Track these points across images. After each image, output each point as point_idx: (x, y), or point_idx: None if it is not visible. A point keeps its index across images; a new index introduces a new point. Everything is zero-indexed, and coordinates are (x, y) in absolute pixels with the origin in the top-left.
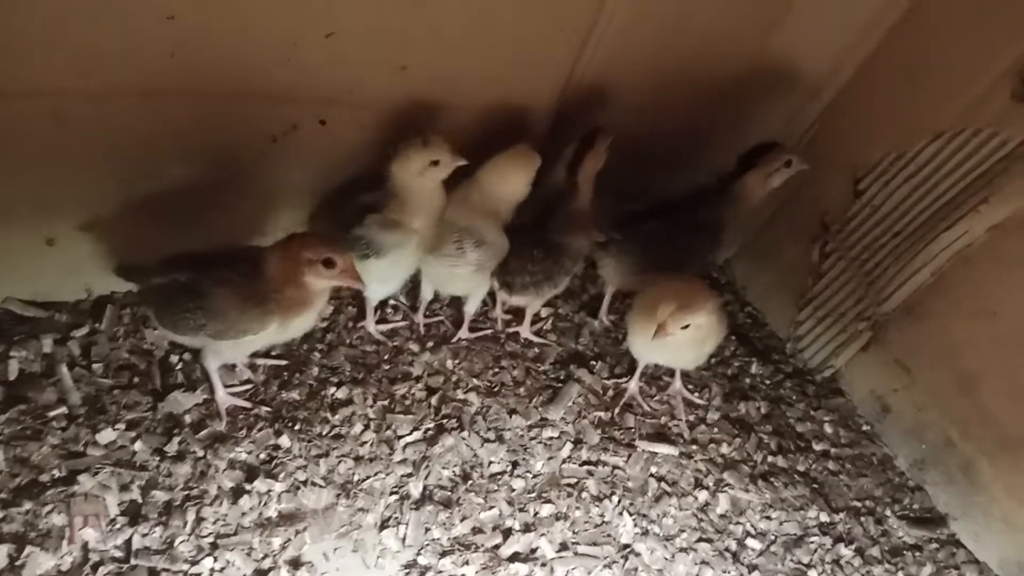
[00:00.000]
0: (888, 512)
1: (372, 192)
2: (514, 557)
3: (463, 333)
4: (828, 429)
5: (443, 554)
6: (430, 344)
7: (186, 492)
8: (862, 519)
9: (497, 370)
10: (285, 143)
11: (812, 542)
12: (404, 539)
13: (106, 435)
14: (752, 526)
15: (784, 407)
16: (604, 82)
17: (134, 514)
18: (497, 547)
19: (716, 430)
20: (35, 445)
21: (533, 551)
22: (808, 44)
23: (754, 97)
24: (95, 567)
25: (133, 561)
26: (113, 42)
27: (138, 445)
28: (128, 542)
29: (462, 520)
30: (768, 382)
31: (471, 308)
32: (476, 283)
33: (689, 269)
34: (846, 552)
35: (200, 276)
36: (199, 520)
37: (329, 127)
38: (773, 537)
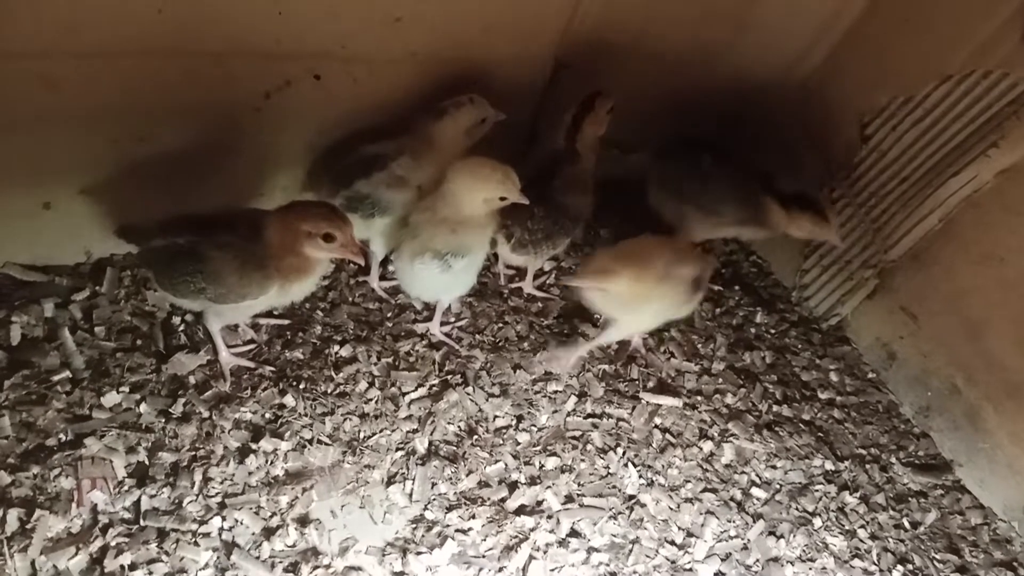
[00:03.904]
0: (893, 459)
1: (373, 144)
2: (520, 510)
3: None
4: (833, 377)
5: (450, 508)
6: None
7: (192, 453)
8: (867, 466)
9: (501, 325)
10: (279, 99)
11: (817, 490)
12: (411, 494)
13: (111, 398)
14: (757, 475)
15: (789, 356)
16: (604, 28)
17: (142, 476)
18: (503, 500)
19: (721, 380)
20: (40, 409)
21: (539, 504)
22: None
23: (758, 42)
24: (104, 529)
25: (142, 522)
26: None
27: (143, 407)
28: (137, 503)
29: (468, 474)
30: (773, 331)
31: None
32: (471, 280)
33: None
34: (851, 500)
35: (200, 240)
36: (206, 480)
37: (323, 82)
38: (778, 486)
